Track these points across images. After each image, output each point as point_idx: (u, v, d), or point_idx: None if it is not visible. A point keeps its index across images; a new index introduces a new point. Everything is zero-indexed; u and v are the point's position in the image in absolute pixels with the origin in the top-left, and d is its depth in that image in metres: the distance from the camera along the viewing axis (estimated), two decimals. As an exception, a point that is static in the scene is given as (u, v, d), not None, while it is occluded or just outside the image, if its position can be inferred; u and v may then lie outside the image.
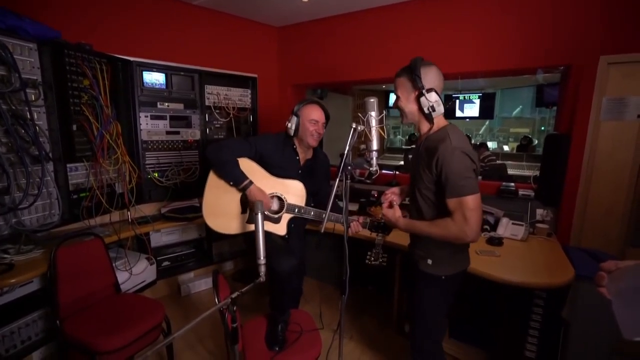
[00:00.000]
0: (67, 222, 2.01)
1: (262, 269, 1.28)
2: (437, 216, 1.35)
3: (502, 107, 7.15)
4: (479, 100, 6.25)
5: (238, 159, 1.79)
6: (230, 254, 3.20)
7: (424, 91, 1.30)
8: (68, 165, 1.97)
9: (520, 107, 7.30)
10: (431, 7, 2.66)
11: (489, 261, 1.85)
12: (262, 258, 1.28)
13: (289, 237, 1.90)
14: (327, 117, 1.89)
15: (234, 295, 1.00)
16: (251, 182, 1.75)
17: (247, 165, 1.81)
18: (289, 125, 1.84)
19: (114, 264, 2.10)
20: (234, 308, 1.04)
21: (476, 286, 1.83)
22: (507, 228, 2.22)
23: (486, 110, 6.29)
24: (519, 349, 1.95)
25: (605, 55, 2.06)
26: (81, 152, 2.04)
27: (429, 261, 1.42)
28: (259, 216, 1.28)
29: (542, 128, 7.11)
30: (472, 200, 1.22)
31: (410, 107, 1.37)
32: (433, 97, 1.30)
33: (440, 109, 1.31)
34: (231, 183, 1.77)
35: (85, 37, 2.13)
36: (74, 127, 1.98)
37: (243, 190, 1.77)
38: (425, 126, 1.38)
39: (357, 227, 1.84)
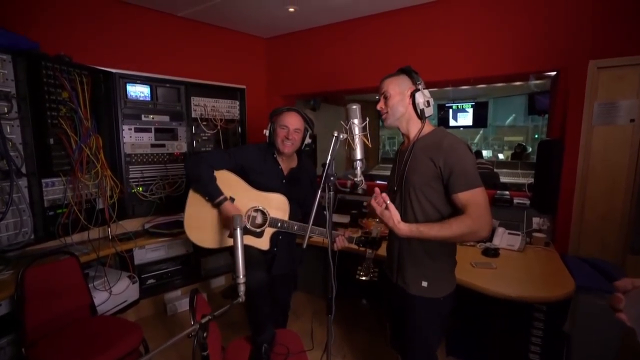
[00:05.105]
0: (41, 240, 1.92)
1: (242, 288, 1.19)
2: (440, 217, 1.26)
3: (496, 115, 7.16)
4: (472, 109, 6.25)
5: (218, 171, 1.73)
6: (219, 270, 3.08)
7: (420, 86, 1.29)
8: (43, 181, 1.89)
9: (514, 115, 7.33)
10: (420, 14, 2.65)
11: (486, 274, 1.77)
12: (241, 277, 1.19)
13: (278, 250, 1.82)
14: (308, 124, 1.80)
15: (203, 321, 0.91)
16: (225, 199, 1.69)
17: (228, 178, 1.75)
18: (265, 132, 1.80)
19: (91, 284, 1.99)
20: (204, 335, 0.93)
21: (474, 300, 1.74)
22: (503, 238, 2.15)
23: (479, 119, 6.29)
24: (521, 366, 1.86)
25: (594, 59, 2.03)
26: (58, 166, 1.96)
27: (424, 283, 1.30)
28: (238, 231, 1.20)
29: (536, 136, 7.11)
30: (484, 192, 1.20)
31: (403, 105, 1.32)
32: (427, 93, 1.29)
33: (430, 108, 1.29)
34: (206, 198, 1.72)
35: (66, 48, 2.08)
36: (51, 141, 1.91)
37: (217, 206, 1.70)
38: (415, 127, 1.33)
39: (342, 242, 1.72)
